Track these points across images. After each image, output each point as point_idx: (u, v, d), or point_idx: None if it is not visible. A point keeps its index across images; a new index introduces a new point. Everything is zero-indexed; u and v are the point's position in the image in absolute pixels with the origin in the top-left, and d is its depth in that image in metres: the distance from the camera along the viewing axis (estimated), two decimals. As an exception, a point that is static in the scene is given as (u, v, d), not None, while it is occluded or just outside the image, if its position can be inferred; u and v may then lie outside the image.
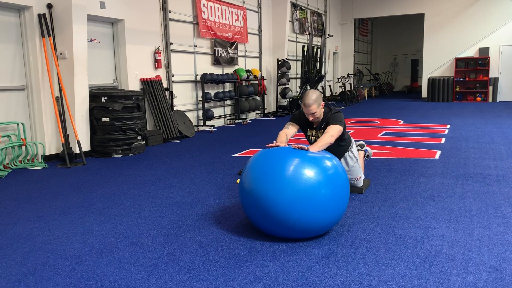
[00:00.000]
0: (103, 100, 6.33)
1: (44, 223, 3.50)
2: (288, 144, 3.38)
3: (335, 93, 16.94)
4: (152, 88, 7.74)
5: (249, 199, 3.03)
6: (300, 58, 13.97)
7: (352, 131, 8.63)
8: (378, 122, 10.13)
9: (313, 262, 2.69)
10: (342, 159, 4.15)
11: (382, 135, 8.06)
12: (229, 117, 10.42)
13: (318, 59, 13.58)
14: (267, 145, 3.34)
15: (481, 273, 2.51)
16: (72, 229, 3.36)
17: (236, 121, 10.52)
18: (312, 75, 13.12)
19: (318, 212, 2.91)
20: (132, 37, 7.44)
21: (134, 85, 7.53)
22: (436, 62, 16.23)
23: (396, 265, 2.63)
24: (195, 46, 9.13)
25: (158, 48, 7.97)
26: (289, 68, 12.13)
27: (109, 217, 3.63)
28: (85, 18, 6.13)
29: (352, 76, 17.43)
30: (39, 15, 5.86)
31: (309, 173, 2.93)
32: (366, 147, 4.81)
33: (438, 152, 6.17)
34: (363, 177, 4.26)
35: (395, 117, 11.07)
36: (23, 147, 5.79)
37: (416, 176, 4.85)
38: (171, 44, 8.32)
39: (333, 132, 3.58)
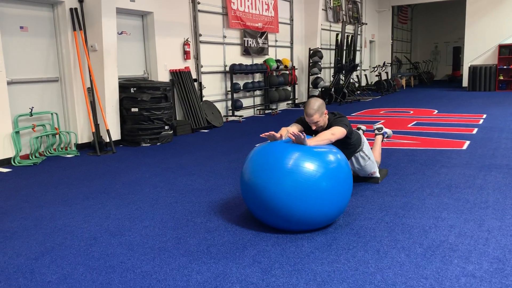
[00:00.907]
0: (132, 91, 6.55)
1: (67, 207, 3.72)
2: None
3: (371, 82, 16.63)
4: (181, 79, 7.91)
5: (249, 191, 3.02)
6: (334, 47, 13.80)
7: (383, 121, 8.50)
8: (412, 112, 9.91)
9: (313, 249, 2.74)
10: (353, 158, 4.04)
11: (412, 125, 7.89)
12: (258, 108, 10.49)
13: (352, 48, 13.37)
14: (261, 135, 3.31)
15: (483, 263, 2.48)
16: (91, 213, 3.55)
17: (266, 111, 10.58)
18: (345, 64, 12.95)
19: (319, 204, 2.87)
20: (161, 29, 7.62)
21: (163, 76, 7.73)
22: (478, 50, 15.57)
23: (396, 254, 2.64)
24: (224, 37, 9.22)
25: (187, 40, 8.12)
26: (321, 57, 12.03)
27: (127, 202, 3.80)
28: (114, 11, 6.34)
29: (389, 65, 17.03)
30: (70, 9, 6.12)
31: (310, 165, 2.88)
32: (384, 130, 4.74)
33: (467, 143, 6.00)
34: (377, 170, 4.20)
35: (430, 106, 10.78)
36: (57, 136, 6.10)
37: (437, 166, 4.75)
38: (200, 35, 8.46)
39: (335, 130, 3.39)
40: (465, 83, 16.02)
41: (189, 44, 8.15)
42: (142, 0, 7.19)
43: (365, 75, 16.58)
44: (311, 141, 3.12)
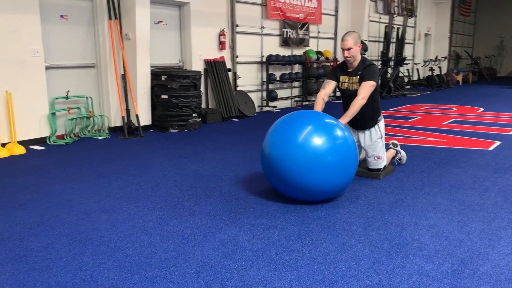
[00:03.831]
0: (162, 79, 6.82)
1: (77, 184, 4.02)
2: None
3: (423, 77, 16.01)
4: (215, 69, 8.10)
5: (267, 162, 3.39)
6: (382, 40, 13.43)
7: (419, 117, 8.23)
8: (455, 109, 9.50)
9: (282, 238, 2.81)
10: (367, 132, 4.12)
11: (448, 122, 7.59)
12: (296, 99, 10.49)
13: (401, 41, 12.95)
14: None
15: (444, 264, 2.44)
16: (96, 191, 3.82)
17: (303, 103, 10.55)
18: (392, 57, 12.58)
19: (324, 176, 3.20)
20: (198, 19, 7.83)
21: (198, 66, 7.96)
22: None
23: (360, 248, 2.65)
24: (263, 27, 9.30)
25: (223, 30, 8.28)
26: (365, 50, 11.78)
27: (131, 183, 4.04)
28: (148, 1, 6.62)
29: (443, 59, 16.28)
30: (107, -1, 6.47)
31: (318, 140, 3.21)
32: (399, 149, 4.66)
33: (496, 144, 5.71)
34: (384, 160, 4.17)
35: (477, 104, 10.26)
36: (91, 119, 6.51)
37: (452, 166, 4.60)
38: (237, 25, 8.59)
39: (364, 93, 3.82)
40: (527, 80, 14.99)
41: (224, 35, 8.31)
42: (178, -9, 7.43)
43: (417, 69, 15.98)
44: (345, 117, 3.74)
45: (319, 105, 3.95)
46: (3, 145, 5.42)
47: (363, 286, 2.22)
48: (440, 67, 15.75)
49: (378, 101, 4.16)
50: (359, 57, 3.97)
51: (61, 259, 2.53)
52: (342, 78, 4.08)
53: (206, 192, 3.78)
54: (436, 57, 15.26)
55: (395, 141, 4.71)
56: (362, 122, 4.09)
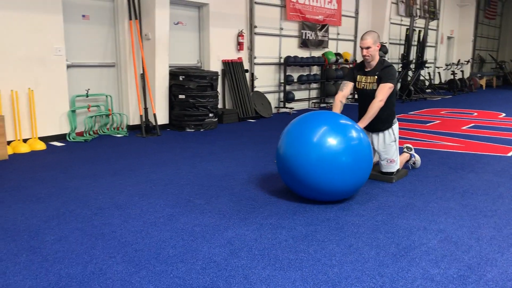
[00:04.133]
0: (180, 79, 6.92)
1: (93, 181, 4.12)
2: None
3: (445, 81, 15.77)
4: (233, 69, 8.16)
5: (281, 160, 3.44)
6: (404, 42, 13.29)
7: (438, 121, 8.14)
8: (476, 114, 9.34)
9: (289, 238, 2.83)
10: (381, 134, 4.11)
11: (468, 127, 7.48)
12: (313, 101, 10.47)
13: (422, 44, 12.79)
14: None
15: (451, 269, 2.43)
16: (110, 187, 3.91)
17: (321, 105, 10.53)
18: (412, 60, 12.44)
19: (338, 177, 3.23)
20: (216, 20, 7.91)
21: (215, 66, 8.03)
22: None
23: (367, 251, 2.65)
24: (281, 29, 9.32)
25: (241, 31, 8.34)
26: (385, 52, 11.69)
27: (145, 181, 4.12)
28: (168, 2, 6.72)
29: (465, 63, 16.01)
30: (128, 0, 6.59)
31: (333, 141, 3.25)
32: (413, 152, 4.63)
33: (515, 149, 5.61)
34: (397, 164, 4.15)
35: (499, 109, 10.07)
36: (110, 116, 6.64)
37: (466, 171, 4.54)
38: (255, 27, 8.64)
39: (382, 95, 3.86)
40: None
41: (243, 36, 8.36)
42: (198, -8, 7.52)
43: (439, 73, 15.75)
44: (364, 120, 3.82)
45: (337, 107, 4.00)
46: (25, 140, 5.58)
47: (366, 287, 2.24)
48: (462, 71, 15.49)
49: (394, 104, 4.15)
50: (377, 57, 4.00)
51: (73, 252, 2.61)
52: (359, 77, 4.09)
53: (218, 191, 3.83)
54: (459, 61, 15.01)
55: (410, 145, 4.68)
56: (377, 124, 4.08)
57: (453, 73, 14.61)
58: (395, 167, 4.14)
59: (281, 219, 3.17)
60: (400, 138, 4.81)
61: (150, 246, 2.70)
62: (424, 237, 2.86)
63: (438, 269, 2.43)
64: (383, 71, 3.93)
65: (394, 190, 3.89)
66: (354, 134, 3.36)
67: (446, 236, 2.87)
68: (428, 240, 2.81)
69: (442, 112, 9.56)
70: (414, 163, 4.61)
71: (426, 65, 13.86)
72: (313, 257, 2.56)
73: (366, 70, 4.06)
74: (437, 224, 3.09)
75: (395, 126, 4.19)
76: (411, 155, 4.58)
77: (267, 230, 2.96)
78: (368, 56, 3.93)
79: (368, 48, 3.90)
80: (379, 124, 4.10)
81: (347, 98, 4.13)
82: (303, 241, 2.78)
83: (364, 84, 4.05)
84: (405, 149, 4.65)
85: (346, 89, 4.11)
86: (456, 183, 4.12)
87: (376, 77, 3.96)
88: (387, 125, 4.12)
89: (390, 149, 4.12)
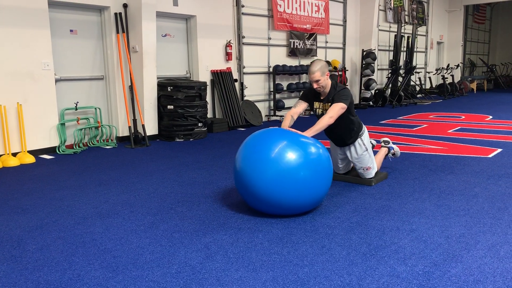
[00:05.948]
0: (168, 89, 7.03)
1: (79, 191, 4.20)
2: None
3: (436, 85, 15.93)
4: (222, 79, 8.28)
5: (238, 176, 3.37)
6: (392, 49, 13.47)
7: (425, 125, 8.25)
8: (463, 117, 9.47)
9: (264, 240, 2.92)
10: (352, 147, 4.20)
11: (453, 130, 7.60)
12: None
13: (410, 49, 12.96)
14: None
15: (417, 266, 2.51)
16: (95, 198, 3.99)
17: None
18: (401, 66, 12.60)
19: (297, 192, 3.17)
20: (204, 31, 8.05)
21: (204, 77, 8.16)
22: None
23: (338, 251, 2.74)
24: (269, 38, 9.47)
25: (229, 42, 8.48)
26: (374, 59, 11.84)
27: (130, 190, 4.21)
28: (154, 15, 6.85)
29: (455, 67, 16.19)
30: (115, 13, 6.72)
31: (291, 155, 3.19)
32: (391, 145, 4.74)
33: (497, 151, 5.72)
34: (374, 168, 4.25)
35: (487, 112, 10.21)
36: (99, 129, 6.74)
37: (445, 173, 4.64)
38: (243, 37, 8.78)
39: (333, 112, 3.79)
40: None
41: (231, 46, 8.50)
42: (185, 4, 7.67)
43: (429, 77, 15.93)
44: (311, 130, 3.59)
45: (287, 121, 3.94)
46: (14, 154, 5.67)
47: (334, 286, 2.31)
48: (452, 75, 15.66)
49: (355, 121, 4.13)
50: (329, 85, 3.96)
51: (53, 260, 2.69)
52: (316, 104, 4.10)
53: (200, 198, 3.91)
54: (448, 65, 15.19)
55: (387, 138, 4.78)
56: (345, 140, 4.19)
57: (443, 78, 14.77)
58: (372, 172, 4.23)
59: (259, 223, 3.25)
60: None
61: (129, 253, 2.78)
62: (395, 236, 2.95)
63: (405, 266, 2.51)
64: (336, 95, 3.91)
65: (373, 192, 3.99)
66: (312, 148, 3.32)
67: (417, 236, 2.96)
68: (399, 240, 2.90)
69: (430, 116, 9.68)
70: (393, 154, 4.73)
71: (416, 70, 14.03)
72: (285, 258, 2.65)
73: (321, 98, 4.05)
74: (410, 224, 3.18)
75: (364, 136, 4.23)
76: (389, 148, 4.68)
77: (244, 234, 3.04)
78: (319, 87, 3.90)
79: (317, 81, 3.85)
80: (345, 140, 4.19)
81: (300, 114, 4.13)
82: (278, 244, 2.87)
83: (321, 111, 4.06)
84: (382, 143, 4.75)
85: (299, 107, 4.08)
86: (434, 184, 4.22)
87: (330, 103, 3.95)
88: (355, 137, 4.18)
89: (363, 159, 4.20)
